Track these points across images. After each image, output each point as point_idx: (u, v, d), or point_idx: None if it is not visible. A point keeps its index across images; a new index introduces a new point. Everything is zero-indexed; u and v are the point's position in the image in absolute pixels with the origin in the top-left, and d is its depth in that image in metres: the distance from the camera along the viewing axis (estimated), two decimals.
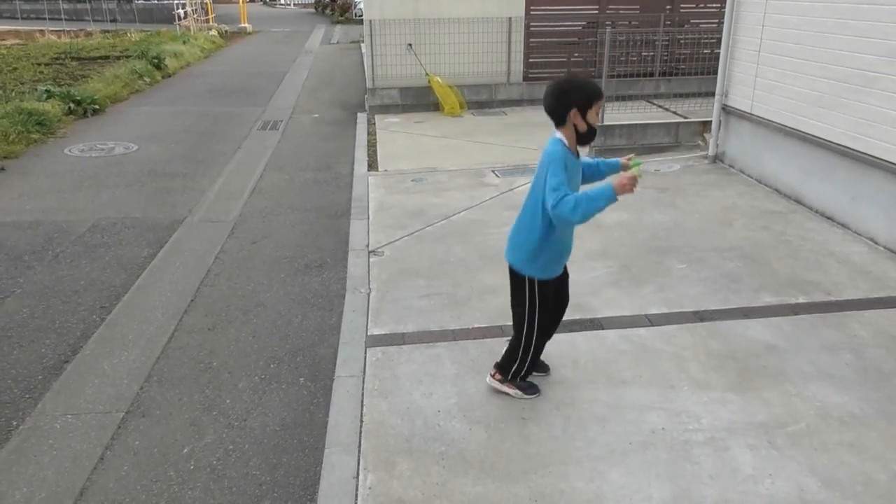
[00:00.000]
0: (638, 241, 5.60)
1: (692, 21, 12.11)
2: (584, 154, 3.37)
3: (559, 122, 3.10)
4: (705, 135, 8.02)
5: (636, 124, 8.17)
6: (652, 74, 11.60)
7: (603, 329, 4.26)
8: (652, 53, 11.72)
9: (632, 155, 3.38)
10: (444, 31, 10.90)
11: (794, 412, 3.42)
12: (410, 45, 10.95)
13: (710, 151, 7.79)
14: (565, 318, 4.32)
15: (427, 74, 10.97)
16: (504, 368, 3.57)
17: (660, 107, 10.75)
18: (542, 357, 3.67)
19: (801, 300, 4.57)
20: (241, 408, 3.63)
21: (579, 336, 4.17)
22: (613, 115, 8.43)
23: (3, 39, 21.80)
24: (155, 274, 5.26)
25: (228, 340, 4.30)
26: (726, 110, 7.56)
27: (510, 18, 11.05)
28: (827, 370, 3.77)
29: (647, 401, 3.53)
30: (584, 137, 3.13)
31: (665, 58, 11.78)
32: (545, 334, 3.51)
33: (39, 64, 15.68)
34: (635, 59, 11.74)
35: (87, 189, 7.30)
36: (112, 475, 3.14)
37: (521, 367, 3.51)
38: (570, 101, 3.04)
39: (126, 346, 4.24)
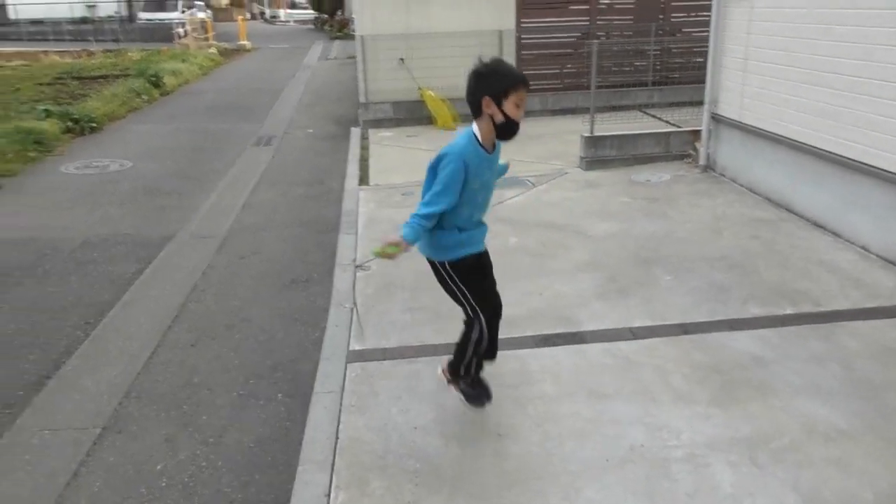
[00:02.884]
0: (627, 251, 5.57)
1: (684, 30, 12.12)
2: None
3: (474, 111, 2.91)
4: (696, 144, 8.00)
5: (627, 135, 8.15)
6: (645, 84, 11.60)
7: (586, 343, 4.22)
8: (644, 63, 11.73)
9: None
10: (436, 44, 10.92)
11: (779, 426, 3.36)
12: (402, 59, 10.99)
13: (701, 160, 7.77)
14: (549, 331, 4.34)
15: (419, 88, 10.99)
16: (452, 365, 3.36)
17: (653, 116, 10.75)
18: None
19: (790, 311, 4.52)
20: (218, 424, 3.61)
21: (561, 350, 4.13)
22: (605, 125, 8.41)
23: (9, 60, 21.97)
24: (142, 290, 5.25)
25: (210, 356, 4.28)
26: (716, 119, 7.55)
27: (500, 31, 11.07)
28: (814, 382, 3.71)
29: (627, 415, 3.48)
30: (503, 130, 2.92)
31: (657, 67, 11.78)
32: (492, 321, 3.23)
33: (41, 84, 15.78)
34: (628, 69, 11.78)
35: (81, 206, 7.31)
36: (84, 492, 3.12)
37: (468, 366, 3.28)
38: (481, 87, 2.85)
39: (108, 362, 4.22)
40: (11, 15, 32.56)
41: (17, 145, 8.95)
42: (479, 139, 2.94)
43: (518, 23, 11.32)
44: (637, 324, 4.42)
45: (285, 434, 3.53)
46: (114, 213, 7.07)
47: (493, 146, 3.03)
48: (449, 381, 3.43)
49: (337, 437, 3.41)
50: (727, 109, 7.31)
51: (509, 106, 2.86)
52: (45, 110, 10.67)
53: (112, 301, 5.03)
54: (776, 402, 3.55)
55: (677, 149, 8.30)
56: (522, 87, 2.86)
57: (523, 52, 11.53)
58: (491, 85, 2.84)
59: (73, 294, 5.15)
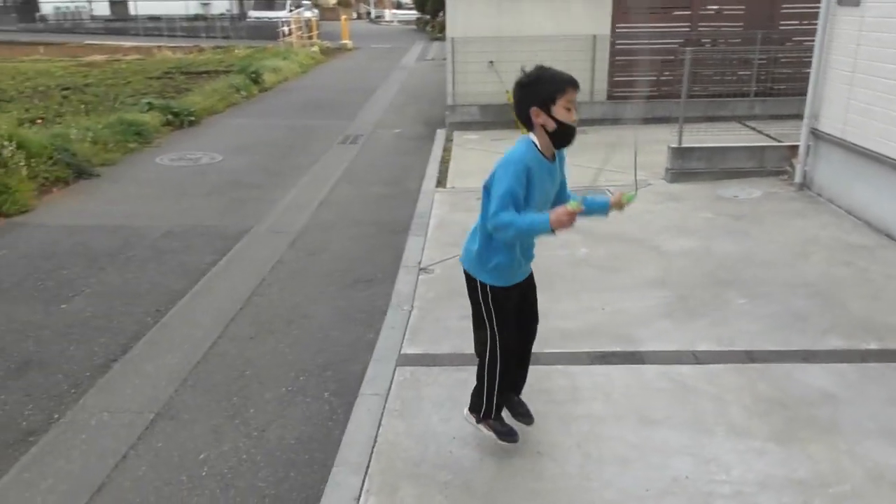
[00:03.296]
0: (701, 270, 5.30)
1: (794, 39, 11.47)
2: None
3: (525, 124, 2.79)
4: (793, 160, 7.53)
5: (717, 147, 7.78)
6: (746, 95, 11.08)
7: (644, 363, 4.03)
8: (748, 72, 11.20)
9: (629, 192, 2.96)
10: (527, 48, 10.78)
11: (842, 471, 3.10)
12: (492, 62, 10.94)
13: (797, 178, 7.31)
14: (606, 348, 4.19)
15: (507, 92, 10.89)
16: (473, 404, 3.21)
17: (752, 129, 10.24)
18: (527, 403, 3.34)
19: (874, 346, 4.16)
20: (263, 418, 3.68)
21: (616, 369, 3.96)
22: (699, 136, 8.06)
23: (126, 54, 23.47)
24: (213, 281, 5.44)
25: (266, 350, 4.38)
26: (815, 134, 7.09)
27: (594, 36, 10.84)
28: (889, 426, 3.40)
29: (676, 444, 3.30)
30: (558, 138, 2.75)
31: (762, 77, 11.22)
32: (509, 357, 3.09)
33: (151, 77, 16.73)
34: (730, 78, 11.28)
35: (170, 197, 7.67)
36: (130, 475, 3.25)
37: (489, 400, 3.12)
38: (526, 99, 2.73)
39: (171, 350, 4.39)
40: (132, 11, 34.75)
41: (118, 136, 9.50)
42: (538, 147, 2.80)
43: (613, 28, 11.06)
44: (702, 347, 4.19)
45: (326, 433, 3.55)
46: (198, 205, 7.37)
47: (554, 156, 2.87)
48: (477, 422, 3.24)
49: (375, 441, 3.40)
50: (828, 125, 6.85)
51: (559, 111, 2.70)
52: (148, 103, 11.28)
53: (184, 290, 5.23)
54: (842, 444, 3.27)
55: (772, 164, 7.86)
56: (571, 89, 2.70)
57: (617, 58, 11.26)
58: (536, 94, 2.71)
59: (150, 281, 5.39)
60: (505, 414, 3.30)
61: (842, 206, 6.66)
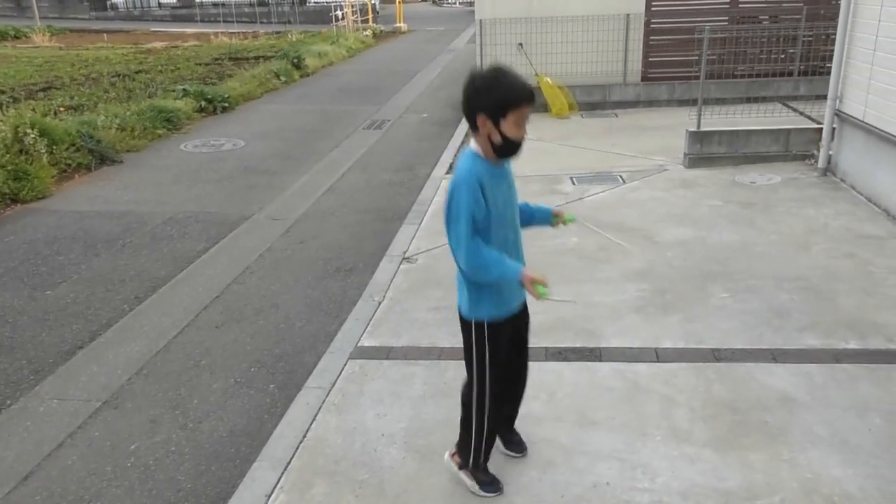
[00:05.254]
0: (691, 262, 5.05)
1: None
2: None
3: (472, 126, 2.52)
4: (820, 144, 7.08)
5: (738, 130, 7.38)
6: (791, 74, 10.49)
7: (600, 361, 3.88)
8: (792, 51, 10.60)
9: (568, 213, 2.89)
10: (557, 29, 10.52)
11: (775, 482, 2.90)
12: (521, 44, 10.69)
13: (820, 163, 6.89)
14: (565, 344, 4.05)
15: (536, 75, 10.65)
16: (461, 450, 2.97)
17: (793, 109, 9.71)
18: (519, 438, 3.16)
19: (853, 345, 3.88)
20: (203, 410, 3.70)
21: (568, 367, 3.82)
22: (730, 119, 7.66)
23: (185, 41, 24.09)
24: (198, 268, 5.52)
25: (227, 340, 4.41)
26: (840, 116, 6.64)
27: (628, 15, 10.44)
28: (842, 435, 3.16)
29: (607, 448, 3.16)
30: (501, 151, 2.50)
31: (809, 56, 10.59)
32: (499, 403, 2.85)
33: (200, 64, 17.10)
34: (776, 56, 10.71)
35: (183, 183, 7.83)
36: (59, 463, 3.32)
37: (476, 451, 2.88)
38: (476, 103, 2.46)
39: (137, 338, 4.47)
40: None
41: (146, 122, 9.73)
42: (482, 155, 2.57)
43: (648, 6, 10.63)
44: (666, 345, 4.00)
45: (259, 427, 3.55)
46: (208, 191, 7.49)
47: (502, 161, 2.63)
48: (459, 468, 2.99)
49: (304, 436, 3.38)
50: (852, 107, 6.40)
51: (508, 126, 2.45)
52: (184, 90, 11.52)
53: (167, 277, 5.33)
54: (785, 452, 3.06)
55: (799, 148, 7.42)
56: (525, 105, 2.46)
57: (652, 38, 10.84)
58: (487, 101, 2.45)
59: (138, 268, 5.51)
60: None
61: (862, 192, 6.23)
